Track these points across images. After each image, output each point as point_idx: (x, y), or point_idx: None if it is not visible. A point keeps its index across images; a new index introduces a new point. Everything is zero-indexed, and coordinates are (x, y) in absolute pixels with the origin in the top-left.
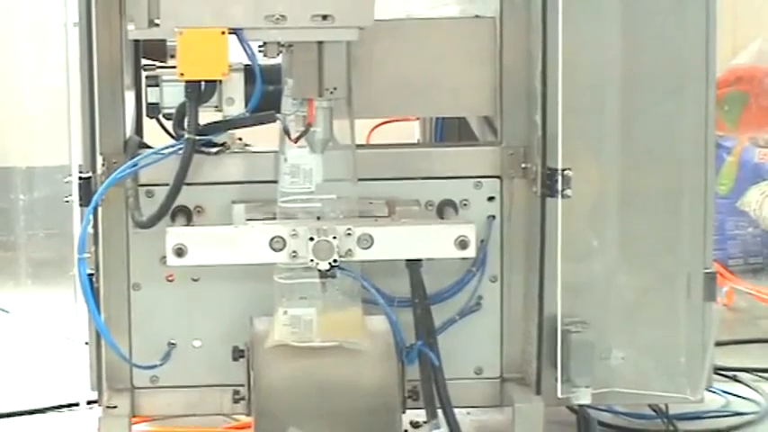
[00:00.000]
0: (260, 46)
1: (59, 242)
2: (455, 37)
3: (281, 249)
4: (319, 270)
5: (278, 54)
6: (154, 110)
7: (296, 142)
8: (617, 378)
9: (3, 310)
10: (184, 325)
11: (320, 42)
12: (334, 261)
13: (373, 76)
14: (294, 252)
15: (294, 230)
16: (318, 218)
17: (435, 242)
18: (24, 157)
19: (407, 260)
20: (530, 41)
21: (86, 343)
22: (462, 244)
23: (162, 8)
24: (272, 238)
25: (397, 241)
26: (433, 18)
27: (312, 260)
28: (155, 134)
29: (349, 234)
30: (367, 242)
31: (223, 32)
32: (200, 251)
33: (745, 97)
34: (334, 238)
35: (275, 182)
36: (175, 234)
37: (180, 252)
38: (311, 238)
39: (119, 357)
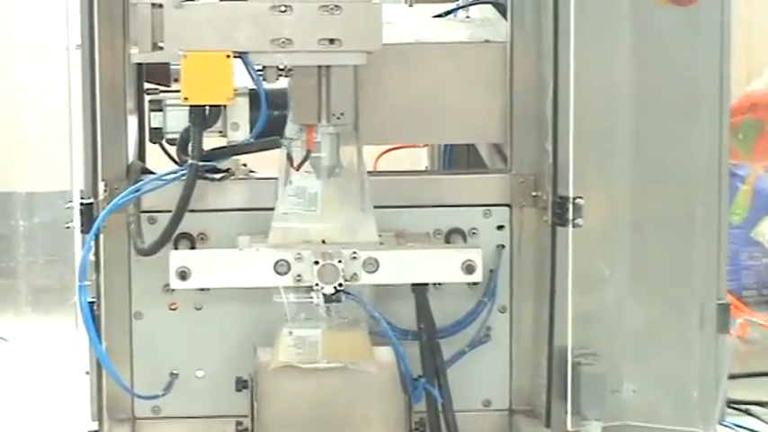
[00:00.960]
0: (259, 70)
1: (60, 269)
2: (464, 62)
3: (285, 273)
4: (324, 294)
5: (277, 78)
6: (157, 135)
7: (297, 169)
8: (628, 411)
9: (2, 339)
10: (187, 354)
11: (327, 67)
12: (339, 285)
13: (381, 101)
14: (299, 276)
15: (299, 254)
16: (323, 241)
17: (442, 266)
18: (25, 182)
19: (413, 285)
20: (540, 67)
21: (87, 372)
22: (469, 268)
23: (166, 31)
24: (277, 262)
25: (402, 265)
26: (441, 43)
27: (317, 284)
28: (157, 160)
29: (354, 258)
30: (372, 266)
31: (228, 56)
32: (203, 274)
33: (760, 125)
34: (340, 261)
35: None
36: (179, 257)
37: (183, 275)
38: (316, 262)
39: (120, 387)
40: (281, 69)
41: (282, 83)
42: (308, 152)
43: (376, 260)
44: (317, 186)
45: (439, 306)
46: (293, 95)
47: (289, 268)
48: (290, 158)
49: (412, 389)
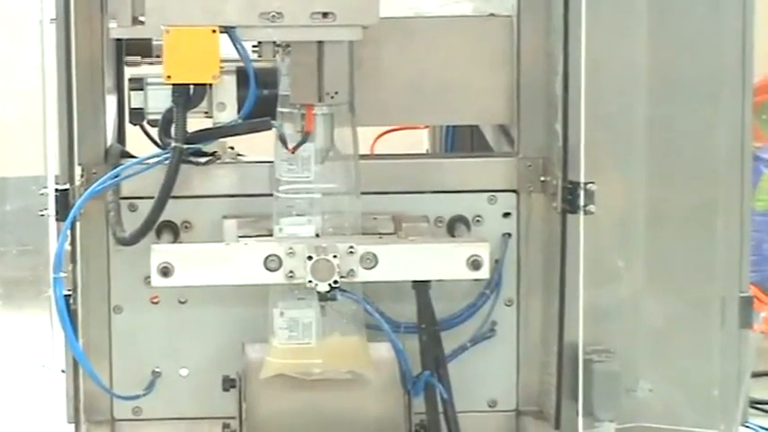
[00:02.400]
0: (254, 46)
1: (34, 260)
2: (468, 37)
3: (276, 269)
4: (318, 292)
5: (274, 55)
6: (138, 116)
7: (293, 152)
8: (644, 412)
9: None
10: (170, 352)
11: (320, 42)
12: (335, 282)
13: (378, 79)
14: (291, 272)
15: (291, 249)
16: (317, 235)
17: (445, 262)
18: None
19: (414, 282)
20: (549, 43)
21: (63, 371)
22: (475, 264)
23: (147, 4)
24: (267, 257)
25: (403, 261)
26: (444, 17)
27: (310, 281)
28: (138, 142)
29: (351, 253)
30: (370, 262)
31: (214, 31)
32: (187, 271)
33: None
34: (335, 257)
35: (270, 195)
36: (161, 252)
37: (166, 271)
38: (309, 257)
39: (98, 387)
40: (278, 45)
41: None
42: (307, 134)
43: (374, 255)
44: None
45: (439, 297)
46: (290, 73)
47: (280, 264)
48: (282, 140)
49: (412, 385)
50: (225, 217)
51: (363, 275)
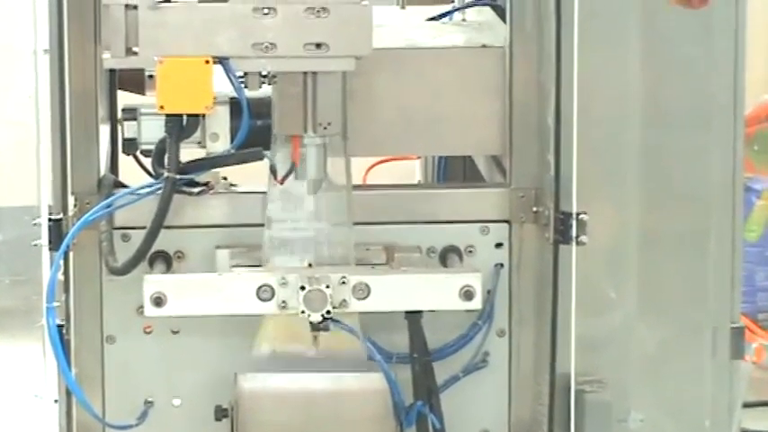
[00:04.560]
0: (241, 77)
1: (27, 290)
2: (460, 68)
3: (269, 299)
4: (311, 322)
5: (260, 86)
6: (131, 146)
7: (282, 183)
8: None
9: None
10: (163, 381)
11: (314, 73)
12: (328, 312)
13: (371, 110)
14: (283, 302)
15: (284, 279)
16: (310, 264)
17: (438, 292)
18: None
19: (407, 312)
20: (542, 73)
21: (56, 401)
22: (467, 294)
23: (141, 35)
24: (260, 287)
25: (395, 291)
26: (436, 47)
27: (303, 311)
28: (131, 172)
29: (344, 283)
30: (363, 292)
31: (207, 62)
32: (180, 300)
33: None
34: (328, 287)
35: (263, 225)
36: (154, 282)
37: (159, 301)
38: (302, 287)
39: (91, 416)
40: (264, 76)
41: (265, 90)
42: (293, 165)
43: (367, 285)
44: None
45: (432, 328)
46: (277, 104)
47: (273, 294)
48: (273, 171)
49: (404, 415)
50: (218, 247)
51: (356, 306)
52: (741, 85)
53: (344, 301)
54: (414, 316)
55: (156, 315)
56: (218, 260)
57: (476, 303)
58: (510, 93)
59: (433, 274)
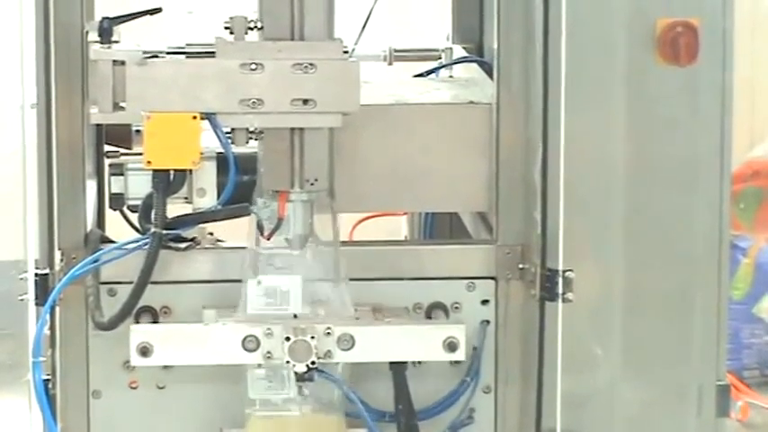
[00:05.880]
0: (227, 132)
1: (12, 344)
2: (447, 124)
3: (254, 350)
4: (296, 373)
5: (247, 142)
6: (118, 201)
7: (269, 239)
8: None
9: None
10: None
11: (301, 129)
12: (312, 363)
13: (358, 166)
14: (269, 353)
15: (269, 329)
16: (295, 316)
17: (422, 344)
18: None
19: (392, 363)
20: (529, 131)
21: None
22: (451, 346)
23: (128, 90)
24: (245, 338)
25: (380, 342)
26: (423, 104)
27: (288, 362)
28: (118, 227)
29: (328, 334)
30: (348, 343)
31: (194, 117)
32: (166, 350)
33: (763, 193)
34: (313, 338)
35: None
36: (140, 332)
37: (145, 351)
38: (287, 338)
39: None
40: (252, 132)
41: (252, 146)
42: (280, 220)
43: (351, 336)
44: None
45: (418, 385)
46: (264, 159)
47: (258, 345)
48: (260, 227)
49: None
50: (204, 307)
51: (340, 356)
52: (728, 143)
53: (329, 351)
54: (398, 367)
55: (142, 365)
56: (205, 320)
57: (459, 355)
58: (497, 149)
59: (417, 325)
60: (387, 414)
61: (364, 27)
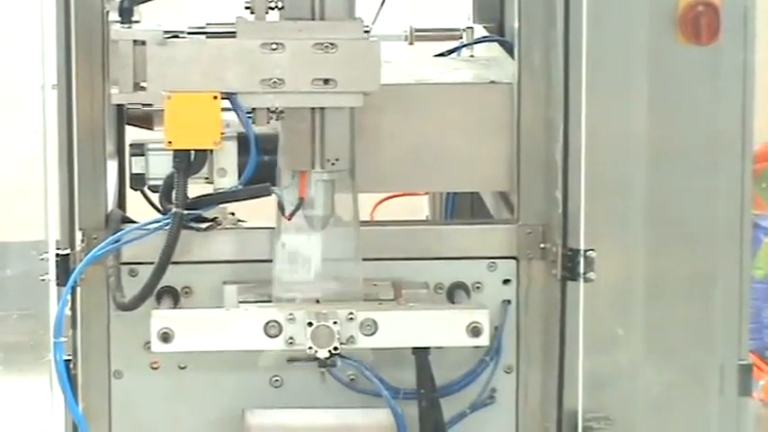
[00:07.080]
0: (248, 112)
1: (34, 324)
2: (468, 104)
3: (276, 335)
4: (318, 358)
5: (268, 122)
6: (138, 181)
7: (290, 219)
8: None
9: None
10: (170, 417)
11: (321, 109)
12: (335, 348)
13: (379, 146)
14: (291, 338)
15: (291, 314)
16: (318, 301)
17: (445, 329)
18: None
19: (414, 348)
20: (550, 110)
21: None
22: (475, 331)
23: (149, 70)
24: (267, 323)
25: (403, 328)
26: (444, 83)
27: (310, 347)
28: (139, 208)
29: (351, 319)
30: (370, 328)
31: (215, 97)
32: (187, 336)
33: None
34: (335, 323)
35: (270, 261)
36: (161, 317)
37: (166, 337)
38: (309, 323)
39: None
40: (272, 112)
41: (273, 126)
42: (301, 200)
43: (374, 322)
44: (312, 248)
45: (439, 364)
46: (284, 140)
47: (280, 330)
48: (281, 208)
49: None
50: (225, 283)
51: (363, 342)
52: (750, 122)
53: (352, 337)
54: (421, 352)
55: (163, 351)
56: (226, 296)
57: (483, 340)
58: (518, 129)
59: (441, 310)
60: (401, 391)
61: (382, 5)
